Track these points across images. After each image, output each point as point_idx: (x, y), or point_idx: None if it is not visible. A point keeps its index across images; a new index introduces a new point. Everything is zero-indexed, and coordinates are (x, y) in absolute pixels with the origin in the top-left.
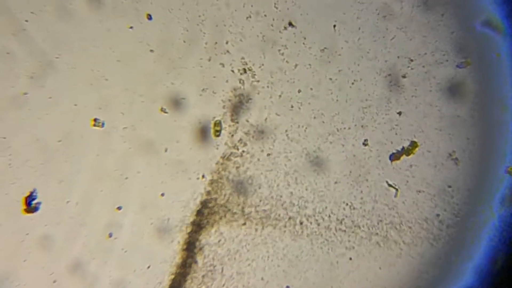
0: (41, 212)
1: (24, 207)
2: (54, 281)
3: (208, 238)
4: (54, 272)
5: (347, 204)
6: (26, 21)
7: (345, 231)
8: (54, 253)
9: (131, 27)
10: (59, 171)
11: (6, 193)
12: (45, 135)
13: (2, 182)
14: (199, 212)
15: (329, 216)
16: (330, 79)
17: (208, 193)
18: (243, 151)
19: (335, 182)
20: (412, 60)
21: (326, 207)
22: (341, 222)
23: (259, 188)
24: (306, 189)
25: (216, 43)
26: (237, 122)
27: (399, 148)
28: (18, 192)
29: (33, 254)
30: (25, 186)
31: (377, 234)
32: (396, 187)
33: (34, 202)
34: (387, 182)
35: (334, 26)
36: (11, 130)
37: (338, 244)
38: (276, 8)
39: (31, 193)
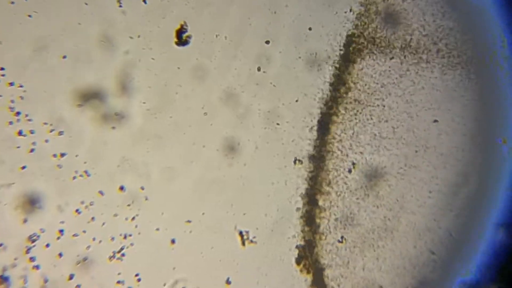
0: (192, 45)
1: (176, 40)
2: (205, 114)
3: (355, 71)
4: (205, 104)
5: None
6: None
7: None
8: (205, 86)
9: None
10: (209, 4)
11: (158, 26)
12: None
13: (151, 17)
14: (346, 46)
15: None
16: None
17: (356, 26)
18: None
19: None
20: None
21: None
22: None
23: (407, 21)
24: (454, 21)
25: None
26: None
27: None
28: (169, 25)
29: (184, 87)
30: (176, 19)
31: None
32: None
33: (185, 35)
34: None
35: None
36: None
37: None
38: None
39: (182, 26)
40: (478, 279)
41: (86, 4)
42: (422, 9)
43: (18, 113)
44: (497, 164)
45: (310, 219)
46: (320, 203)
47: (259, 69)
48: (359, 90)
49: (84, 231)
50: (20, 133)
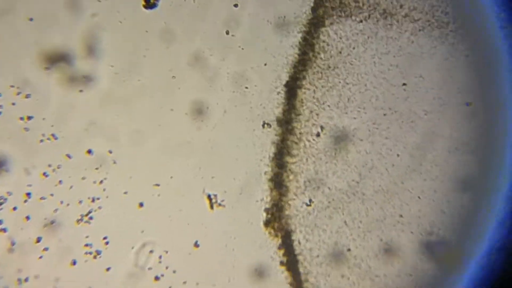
0: (160, 8)
1: (143, 3)
2: (173, 77)
3: (324, 35)
4: (173, 68)
5: None
6: None
7: None
8: (173, 49)
9: None
10: None
11: None
12: None
13: None
14: (314, 9)
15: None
16: None
17: None
18: None
19: None
20: None
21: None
22: None
23: None
24: None
25: None
26: None
27: None
28: None
29: (152, 50)
30: None
31: None
32: None
33: None
34: None
35: None
36: None
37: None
38: None
39: None
40: (446, 241)
41: None
42: None
43: None
44: (464, 127)
45: (278, 182)
46: (289, 166)
47: (227, 33)
48: (328, 53)
49: (52, 194)
50: None
